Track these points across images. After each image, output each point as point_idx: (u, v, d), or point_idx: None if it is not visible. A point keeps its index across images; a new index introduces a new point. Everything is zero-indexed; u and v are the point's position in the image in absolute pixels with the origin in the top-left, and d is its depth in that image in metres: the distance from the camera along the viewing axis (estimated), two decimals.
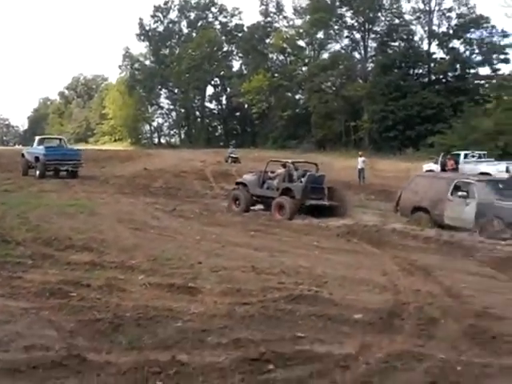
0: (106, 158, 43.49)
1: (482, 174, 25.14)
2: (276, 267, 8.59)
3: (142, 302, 6.69)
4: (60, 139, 32.43)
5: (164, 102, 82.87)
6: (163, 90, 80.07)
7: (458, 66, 50.14)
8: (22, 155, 29.45)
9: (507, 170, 24.68)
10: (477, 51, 50.75)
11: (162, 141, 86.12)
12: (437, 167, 27.76)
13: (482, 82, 50.48)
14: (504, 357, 5.05)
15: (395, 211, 17.04)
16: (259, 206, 18.97)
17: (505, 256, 10.39)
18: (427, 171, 27.14)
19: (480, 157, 28.23)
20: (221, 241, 11.16)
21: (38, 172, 26.83)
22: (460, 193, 14.67)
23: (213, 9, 76.44)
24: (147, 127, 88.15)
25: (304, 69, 59.61)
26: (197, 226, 13.41)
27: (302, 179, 18.09)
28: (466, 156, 27.98)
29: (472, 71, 51.28)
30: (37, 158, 27.17)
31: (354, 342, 5.31)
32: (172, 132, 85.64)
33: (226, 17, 75.54)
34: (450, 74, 51.56)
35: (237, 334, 5.52)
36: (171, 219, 14.53)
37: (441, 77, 52.29)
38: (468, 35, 50.37)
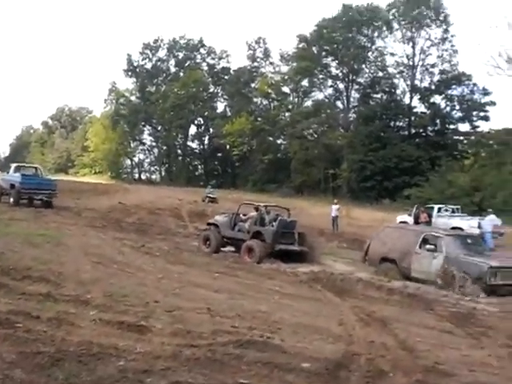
0: (82, 190, 43.33)
1: (454, 228, 25.44)
2: (233, 310, 8.48)
3: (89, 337, 6.51)
4: (36, 168, 32.25)
5: (147, 138, 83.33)
6: (147, 126, 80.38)
7: (438, 120, 51.18)
8: None
9: (479, 226, 24.90)
10: (457, 107, 51.97)
11: (143, 177, 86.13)
12: (410, 219, 27.94)
13: (461, 137, 51.53)
14: None
15: (363, 261, 17.04)
16: (230, 248, 18.89)
17: (465, 312, 10.38)
18: (400, 222, 27.33)
19: (453, 211, 28.49)
20: (182, 280, 11.02)
21: (12, 199, 26.61)
22: (428, 246, 14.73)
23: (201, 50, 77.59)
24: (128, 162, 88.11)
25: (287, 114, 60.37)
26: (161, 263, 13.26)
27: (274, 223, 18.10)
28: (439, 210, 28.21)
29: (452, 127, 52.42)
30: (12, 186, 26.96)
31: None
32: (153, 168, 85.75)
33: (213, 59, 76.66)
34: (429, 128, 52.53)
35: (178, 376, 5.38)
36: (137, 255, 14.35)
37: (421, 130, 53.27)
38: (449, 91, 51.64)
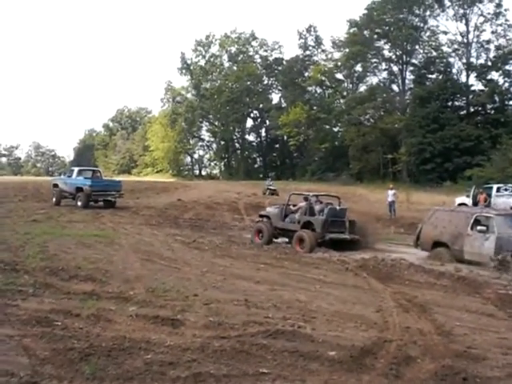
0: (142, 190, 44.20)
1: None
2: (270, 301, 8.53)
3: (123, 332, 6.73)
4: (97, 171, 33.24)
5: (205, 134, 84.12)
6: (204, 122, 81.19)
7: (496, 97, 49.30)
8: (55, 185, 30.15)
9: None
10: None
11: (203, 173, 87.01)
12: (469, 201, 27.15)
13: None
14: None
15: (415, 246, 16.72)
16: (283, 239, 18.93)
17: (508, 293, 10.02)
18: (459, 205, 26.62)
19: None
20: (225, 273, 11.14)
21: (80, 203, 27.50)
22: (479, 227, 14.31)
23: (253, 43, 77.63)
24: (188, 159, 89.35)
25: (342, 101, 59.69)
26: (208, 257, 13.44)
27: (323, 212, 18.03)
28: (498, 189, 27.24)
29: (511, 103, 50.42)
30: (79, 189, 27.87)
31: (318, 380, 5.21)
32: (212, 164, 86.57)
33: (266, 50, 76.55)
34: (488, 105, 50.71)
35: (202, 368, 5.49)
36: (186, 251, 14.58)
37: (479, 109, 51.50)
38: (507, 67, 49.62)
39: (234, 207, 33.18)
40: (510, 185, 27.96)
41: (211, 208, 31.85)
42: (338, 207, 18.62)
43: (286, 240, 18.62)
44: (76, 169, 31.99)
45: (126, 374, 5.32)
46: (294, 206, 19.21)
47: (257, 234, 18.83)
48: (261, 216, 19.99)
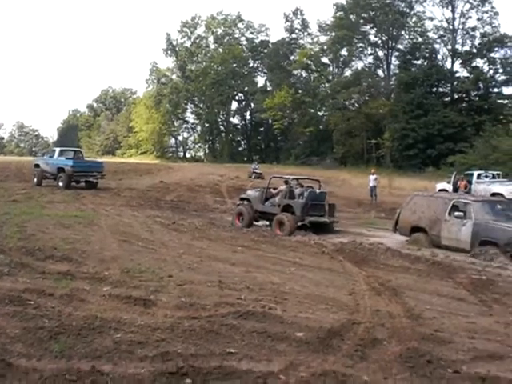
0: (125, 171, 44.11)
1: (494, 194, 24.85)
2: (243, 283, 8.58)
3: (95, 312, 6.73)
4: (79, 151, 33.01)
5: (190, 116, 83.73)
6: (189, 104, 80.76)
7: (481, 84, 49.50)
8: (36, 165, 29.94)
9: None
10: (501, 70, 50.13)
11: (188, 155, 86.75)
12: (450, 187, 27.39)
13: (506, 101, 49.70)
14: (433, 383, 4.95)
15: (394, 231, 16.88)
16: (264, 222, 19.03)
17: (487, 278, 10.17)
18: (440, 190, 26.83)
19: (494, 177, 27.71)
20: (202, 255, 11.18)
21: (61, 183, 27.33)
22: (457, 213, 14.45)
23: (240, 25, 77.15)
24: (173, 141, 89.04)
25: (327, 85, 59.56)
26: (186, 239, 13.48)
27: (303, 196, 18.15)
28: (479, 176, 27.51)
29: (495, 90, 50.69)
30: (60, 169, 27.68)
31: (284, 360, 5.26)
32: (197, 146, 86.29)
33: (252, 33, 76.12)
34: (472, 92, 50.96)
35: (170, 347, 5.52)
36: (164, 232, 14.61)
37: (463, 95, 51.76)
38: (492, 54, 49.82)
39: (217, 190, 33.29)
40: (490, 172, 28.25)
41: (193, 190, 31.90)
42: (317, 191, 18.74)
43: (267, 223, 18.73)
44: (58, 149, 31.82)
45: (95, 353, 5.33)
46: (275, 189, 19.28)
47: (237, 217, 18.93)
48: (241, 199, 20.06)
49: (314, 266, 10.73)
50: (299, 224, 17.88)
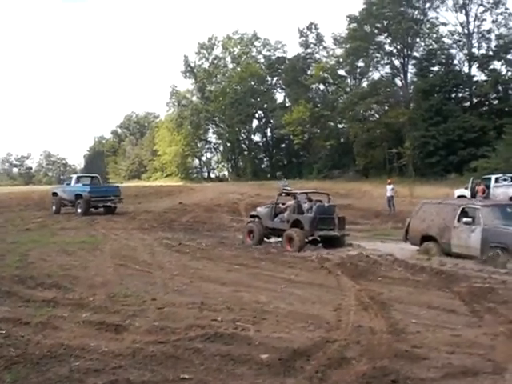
0: (146, 194, 44.33)
1: None
2: (226, 303, 8.36)
3: (63, 340, 6.62)
4: (96, 177, 33.23)
5: (212, 136, 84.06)
6: (210, 124, 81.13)
7: (500, 87, 48.57)
8: (54, 194, 30.18)
9: None
10: None
11: (212, 175, 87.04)
12: (468, 193, 26.76)
13: None
14: None
15: (404, 240, 16.43)
16: (276, 239, 18.74)
17: (487, 286, 9.73)
18: (458, 197, 26.25)
19: None
20: (194, 276, 11.00)
21: (79, 210, 27.49)
22: (465, 219, 13.98)
23: (256, 43, 77.35)
24: (197, 162, 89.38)
25: (345, 97, 59.21)
26: (185, 260, 13.32)
27: (312, 210, 17.85)
28: (497, 180, 26.80)
29: None
30: (78, 196, 27.88)
31: None
32: (220, 166, 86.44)
33: (269, 50, 76.24)
34: (492, 96, 49.98)
35: (124, 374, 5.38)
36: (166, 254, 14.46)
37: (483, 99, 50.76)
38: (509, 56, 48.82)
39: (235, 208, 33.04)
40: (508, 175, 27.50)
41: (210, 210, 31.71)
42: (326, 204, 18.40)
43: (279, 239, 18.43)
44: (74, 176, 32.19)
45: (46, 382, 5.19)
46: (283, 204, 19.03)
47: (248, 234, 18.68)
48: (252, 216, 19.83)
49: (308, 282, 10.43)
50: (310, 239, 17.58)
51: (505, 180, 26.82)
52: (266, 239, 18.67)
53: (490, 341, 6.48)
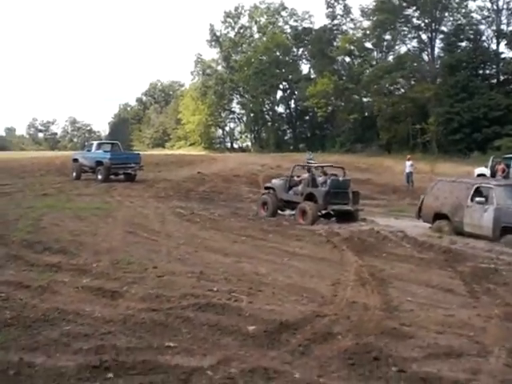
0: (167, 163, 44.28)
1: None
2: (225, 273, 8.42)
3: (59, 304, 6.73)
4: (116, 144, 33.33)
5: (236, 106, 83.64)
6: (234, 95, 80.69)
7: None
8: (75, 160, 30.41)
9: None
10: None
11: (235, 145, 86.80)
12: (488, 171, 26.32)
13: None
14: (369, 382, 4.64)
15: (417, 218, 16.30)
16: (289, 211, 18.74)
17: (492, 267, 9.64)
18: (478, 175, 25.87)
19: None
20: (200, 246, 11.08)
21: (100, 176, 27.72)
22: (478, 198, 13.80)
23: (283, 13, 76.30)
24: (220, 132, 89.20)
25: (370, 70, 58.25)
26: (194, 230, 13.41)
27: (326, 184, 17.78)
28: None
29: None
30: (99, 162, 28.08)
31: (221, 355, 5.07)
32: (243, 136, 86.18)
33: (296, 21, 75.15)
34: None
35: (112, 340, 5.45)
36: (176, 223, 14.56)
37: (510, 77, 49.53)
38: None
39: (254, 180, 32.95)
40: None
41: (229, 181, 31.72)
42: (341, 178, 18.30)
43: (293, 212, 18.42)
44: (95, 143, 32.30)
45: (33, 345, 5.30)
46: (299, 177, 18.97)
47: (262, 206, 18.73)
48: (266, 188, 19.84)
49: (311, 255, 10.45)
50: (323, 212, 17.57)
51: None
52: (280, 211, 18.69)
53: (483, 322, 6.44)
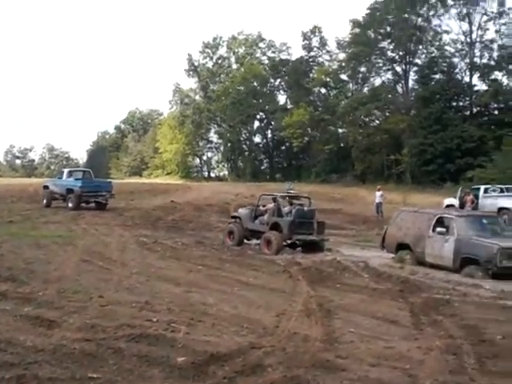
0: (141, 191, 44.04)
1: (501, 208, 24.05)
2: (171, 304, 8.31)
3: None
4: (88, 171, 33.12)
5: (213, 136, 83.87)
6: (212, 124, 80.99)
7: (500, 97, 48.28)
8: (46, 187, 30.10)
9: None
10: None
11: (212, 174, 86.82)
12: (457, 202, 26.61)
13: None
14: None
15: (381, 248, 16.35)
16: (255, 241, 18.68)
17: (446, 298, 9.63)
18: (447, 206, 26.12)
19: (502, 191, 26.75)
20: (153, 275, 10.96)
21: (70, 204, 27.39)
22: (439, 229, 13.87)
23: (261, 44, 77.14)
24: (197, 161, 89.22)
25: (345, 102, 59.02)
26: (151, 259, 13.29)
27: (291, 214, 17.79)
28: (485, 190, 26.62)
29: None
30: (69, 190, 27.79)
31: None
32: (220, 166, 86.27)
33: (274, 52, 76.04)
34: (492, 106, 49.81)
35: (36, 370, 5.34)
36: (136, 252, 14.43)
37: (483, 109, 50.54)
38: (510, 66, 48.57)
39: (225, 208, 32.86)
40: (498, 186, 27.33)
41: (200, 209, 31.61)
42: (306, 208, 18.33)
43: (258, 242, 18.37)
44: (66, 170, 32.09)
45: None
46: (264, 206, 18.97)
47: (228, 235, 18.71)
48: (233, 217, 19.80)
49: (264, 285, 10.36)
50: (288, 242, 17.57)
51: (494, 191, 26.62)
52: (246, 241, 18.66)
53: (422, 355, 6.37)
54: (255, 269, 12.37)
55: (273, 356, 5.95)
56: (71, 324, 7.02)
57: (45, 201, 29.09)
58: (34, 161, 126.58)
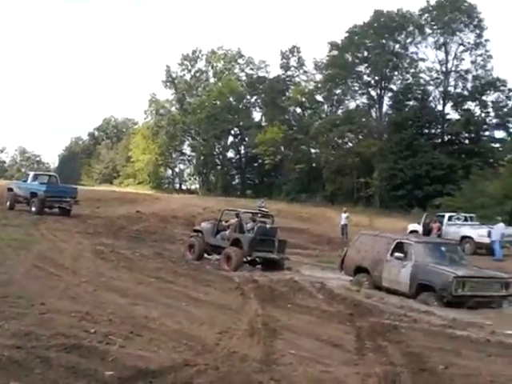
0: (109, 200, 43.58)
1: (464, 237, 24.43)
2: (112, 315, 8.13)
3: None
4: (54, 176, 32.65)
5: (187, 148, 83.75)
6: (186, 136, 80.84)
7: (472, 127, 49.27)
8: (10, 189, 29.54)
9: (488, 235, 23.82)
10: (492, 114, 50.06)
11: (183, 187, 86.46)
12: (421, 228, 26.91)
13: (497, 145, 49.44)
14: None
15: (340, 270, 16.35)
16: (216, 256, 18.54)
17: (395, 324, 9.60)
18: (411, 232, 26.35)
19: (466, 219, 27.17)
20: (102, 285, 10.76)
21: (33, 208, 26.84)
22: (397, 253, 13.93)
23: (240, 60, 77.55)
24: (169, 172, 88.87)
25: (318, 123, 59.56)
26: (104, 268, 13.07)
27: (253, 231, 17.72)
28: (450, 218, 27.00)
29: (487, 134, 50.46)
30: (33, 194, 27.25)
31: None
32: (192, 179, 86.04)
33: (252, 69, 76.47)
34: (463, 135, 50.80)
35: None
36: (89, 261, 14.18)
37: (454, 138, 51.49)
38: (484, 97, 49.70)
39: (191, 221, 32.64)
40: (462, 214, 27.75)
41: (166, 221, 31.39)
42: (268, 226, 18.28)
43: (218, 257, 18.25)
44: (32, 173, 31.53)
45: None
46: (226, 222, 18.88)
47: (189, 249, 18.61)
48: (195, 231, 19.66)
49: (213, 302, 10.22)
50: (249, 259, 17.49)
51: (458, 219, 27.03)
52: (206, 255, 18.53)
53: (359, 381, 6.29)
54: (208, 284, 12.22)
55: (205, 375, 5.83)
56: (6, 330, 6.83)
57: (8, 203, 28.55)
58: (4, 162, 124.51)
